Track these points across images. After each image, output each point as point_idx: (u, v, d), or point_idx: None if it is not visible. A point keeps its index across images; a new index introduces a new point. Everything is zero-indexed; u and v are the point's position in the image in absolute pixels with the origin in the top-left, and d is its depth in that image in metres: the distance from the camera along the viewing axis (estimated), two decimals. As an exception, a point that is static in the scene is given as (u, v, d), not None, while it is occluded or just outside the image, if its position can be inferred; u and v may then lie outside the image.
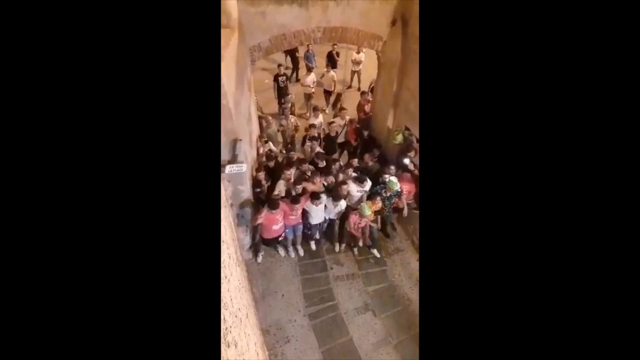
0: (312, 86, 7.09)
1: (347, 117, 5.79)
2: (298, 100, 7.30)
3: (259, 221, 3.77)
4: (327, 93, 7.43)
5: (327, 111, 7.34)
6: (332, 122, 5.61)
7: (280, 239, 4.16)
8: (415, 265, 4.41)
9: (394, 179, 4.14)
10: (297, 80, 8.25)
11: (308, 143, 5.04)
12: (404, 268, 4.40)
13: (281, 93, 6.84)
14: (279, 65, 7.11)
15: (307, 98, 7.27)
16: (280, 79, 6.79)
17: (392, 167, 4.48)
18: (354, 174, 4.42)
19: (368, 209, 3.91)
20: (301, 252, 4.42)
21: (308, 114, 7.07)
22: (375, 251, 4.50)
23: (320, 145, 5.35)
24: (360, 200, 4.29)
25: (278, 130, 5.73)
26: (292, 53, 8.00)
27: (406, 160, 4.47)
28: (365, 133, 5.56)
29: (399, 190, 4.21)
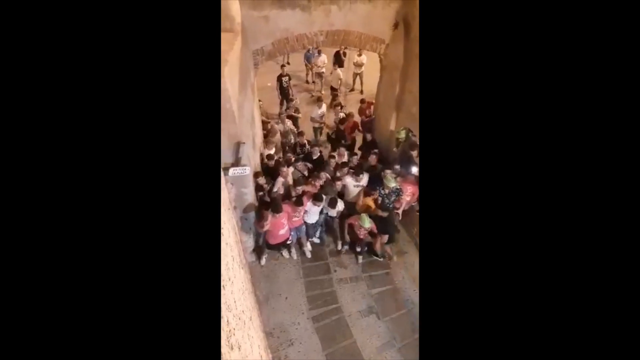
0: (322, 66, 8.09)
1: (342, 114, 5.94)
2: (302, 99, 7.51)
3: (266, 228, 3.77)
4: (334, 90, 7.86)
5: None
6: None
7: (288, 242, 4.17)
8: (418, 267, 4.39)
9: (390, 176, 4.15)
10: None
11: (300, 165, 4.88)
12: (408, 271, 4.38)
13: (284, 93, 6.94)
14: (282, 65, 7.23)
15: (318, 77, 8.36)
16: (283, 79, 6.89)
17: (397, 167, 4.48)
18: (351, 170, 4.46)
19: (368, 222, 3.94)
20: (308, 254, 4.41)
21: (322, 92, 8.10)
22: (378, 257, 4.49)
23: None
24: (357, 196, 4.29)
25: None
26: None
27: (414, 169, 4.46)
28: (368, 136, 5.59)
29: (398, 187, 4.21)
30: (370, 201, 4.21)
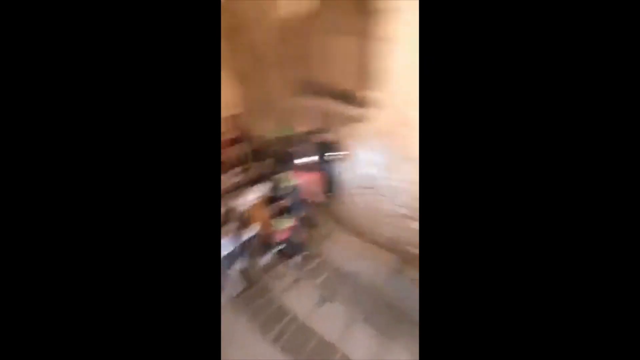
0: None
1: None
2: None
3: None
4: None
5: None
6: None
7: None
8: (346, 238, 4.62)
9: (282, 175, 4.20)
10: None
11: None
12: (338, 247, 4.55)
13: None
14: None
15: None
16: None
17: (287, 164, 4.55)
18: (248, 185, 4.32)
19: (286, 221, 3.88)
20: (236, 290, 3.99)
21: None
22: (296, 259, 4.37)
23: None
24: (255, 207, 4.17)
25: None
26: None
27: (298, 161, 4.51)
28: (246, 147, 5.51)
29: (293, 184, 4.28)
30: (262, 211, 4.08)
